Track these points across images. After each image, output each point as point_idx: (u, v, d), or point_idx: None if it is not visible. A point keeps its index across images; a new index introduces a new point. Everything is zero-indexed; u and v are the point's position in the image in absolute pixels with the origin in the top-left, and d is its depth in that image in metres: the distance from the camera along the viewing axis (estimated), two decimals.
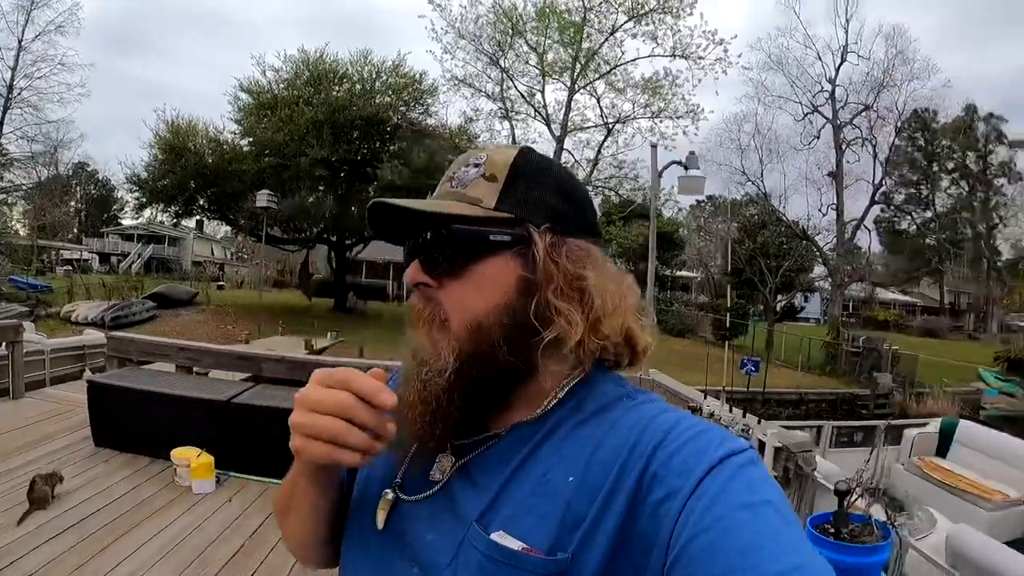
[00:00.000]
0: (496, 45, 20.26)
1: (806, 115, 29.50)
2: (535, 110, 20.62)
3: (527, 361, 0.78)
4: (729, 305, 25.14)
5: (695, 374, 10.71)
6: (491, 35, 21.06)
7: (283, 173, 19.83)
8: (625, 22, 19.46)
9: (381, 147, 22.06)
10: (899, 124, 31.28)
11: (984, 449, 7.42)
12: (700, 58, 19.97)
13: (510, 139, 21.14)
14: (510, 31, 21.02)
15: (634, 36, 19.88)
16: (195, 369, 7.11)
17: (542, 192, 0.82)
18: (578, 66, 19.83)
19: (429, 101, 22.47)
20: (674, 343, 27.33)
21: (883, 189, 35.23)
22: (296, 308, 23.07)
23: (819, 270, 36.77)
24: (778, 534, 0.58)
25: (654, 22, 19.44)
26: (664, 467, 0.66)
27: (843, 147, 29.97)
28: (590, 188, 21.77)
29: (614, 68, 20.18)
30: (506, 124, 21.35)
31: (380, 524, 0.82)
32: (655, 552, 0.63)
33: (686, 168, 9.73)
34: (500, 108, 21.10)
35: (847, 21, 28.66)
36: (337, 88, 21.32)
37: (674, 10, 19.24)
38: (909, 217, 51.48)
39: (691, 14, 19.53)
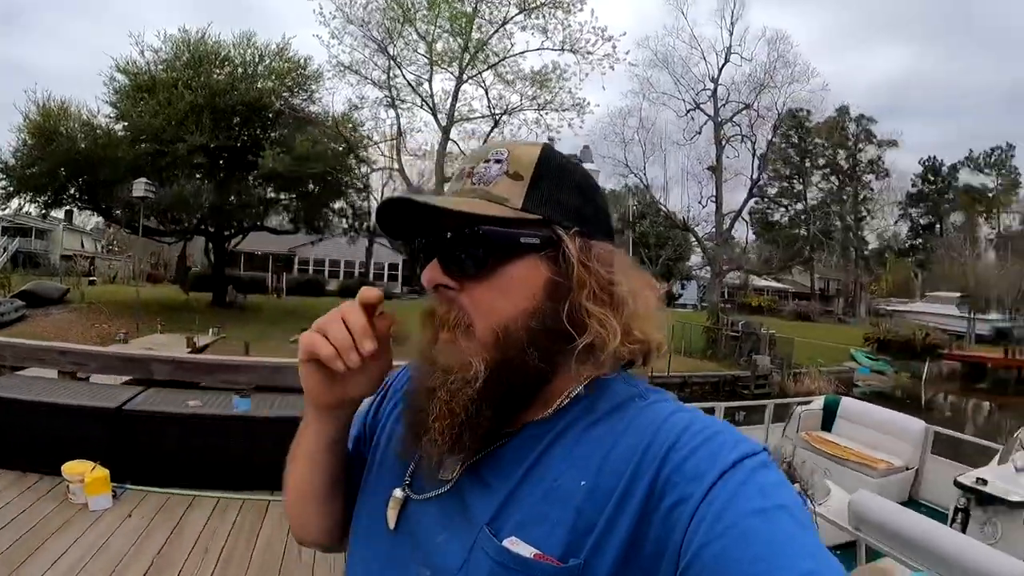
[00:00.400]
0: (385, 32, 19.82)
1: (688, 112, 30.64)
2: (422, 99, 20.31)
3: (554, 365, 0.76)
4: None
5: None
6: (380, 21, 20.55)
7: (160, 160, 18.74)
8: (516, 14, 19.51)
9: (262, 134, 21.28)
10: (776, 123, 32.75)
11: (864, 422, 7.95)
12: (589, 53, 20.22)
13: (395, 128, 20.77)
14: (400, 18, 20.59)
15: (524, 28, 19.92)
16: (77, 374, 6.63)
17: (567, 193, 0.80)
18: (467, 56, 19.63)
19: (313, 87, 21.87)
20: None
21: (759, 183, 36.92)
22: (174, 304, 21.95)
23: (695, 259, 38.37)
24: (791, 540, 0.57)
25: (544, 16, 19.57)
26: (676, 471, 0.65)
27: (723, 143, 31.17)
28: None
29: (503, 60, 20.15)
30: (391, 112, 20.95)
31: (392, 524, 0.82)
32: (667, 558, 0.62)
33: (581, 162, 9.92)
34: (386, 96, 20.66)
35: (732, 24, 29.74)
36: (218, 71, 20.36)
37: (565, 4, 19.41)
38: (783, 209, 54.58)
39: (581, 10, 19.66)
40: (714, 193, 31.45)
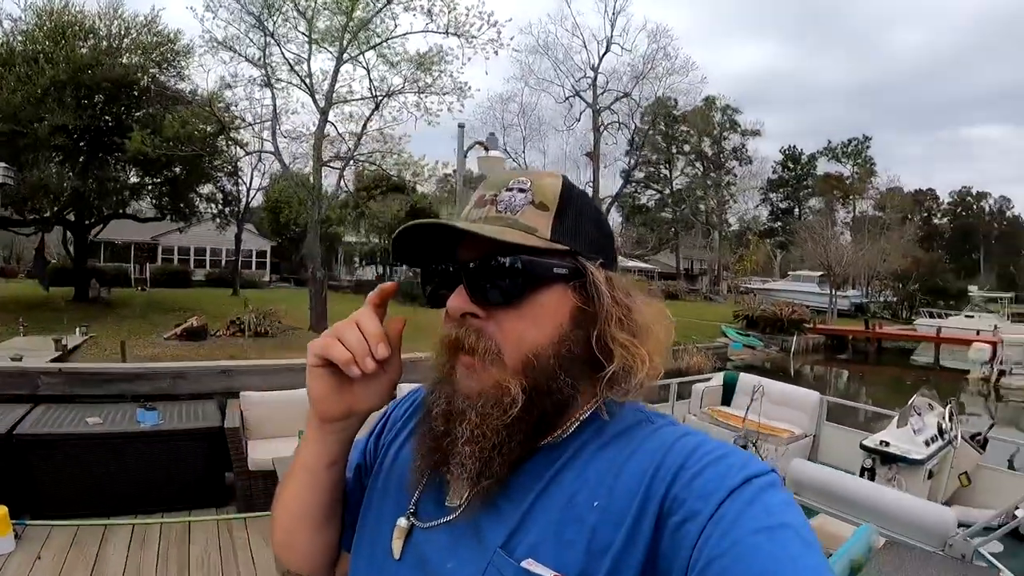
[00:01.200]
0: (263, 5, 18.67)
1: (567, 98, 31.13)
2: (301, 79, 19.33)
3: (578, 392, 0.77)
4: None
5: None
6: None
7: (19, 141, 16.88)
8: None
9: (128, 113, 19.65)
10: (644, 111, 33.86)
11: (762, 395, 8.30)
12: (473, 37, 19.89)
13: (271, 108, 19.75)
14: None
15: (407, 9, 19.32)
16: None
17: (587, 223, 0.81)
18: (348, 36, 18.88)
19: (183, 63, 20.37)
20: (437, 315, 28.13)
21: (628, 168, 38.22)
22: (32, 301, 19.98)
23: None
24: (795, 559, 0.57)
25: None
26: (685, 489, 0.66)
27: (601, 130, 31.84)
28: (352, 163, 21.19)
29: (386, 40, 19.50)
30: (267, 92, 19.75)
31: (397, 554, 0.81)
32: (673, 574, 0.63)
33: (487, 149, 9.79)
34: (262, 75, 19.51)
35: (615, 15, 30.61)
36: (82, 44, 18.47)
37: None
38: (650, 192, 56.95)
39: None
40: (591, 178, 32.24)
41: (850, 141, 66.16)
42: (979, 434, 7.07)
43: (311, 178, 20.10)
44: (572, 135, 32.84)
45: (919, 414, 6.73)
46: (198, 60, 20.34)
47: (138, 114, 19.69)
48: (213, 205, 25.39)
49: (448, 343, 0.79)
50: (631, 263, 50.51)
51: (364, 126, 19.85)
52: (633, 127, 32.47)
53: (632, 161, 35.32)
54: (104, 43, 18.95)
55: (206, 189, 24.41)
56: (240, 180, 26.83)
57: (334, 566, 0.96)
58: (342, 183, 21.79)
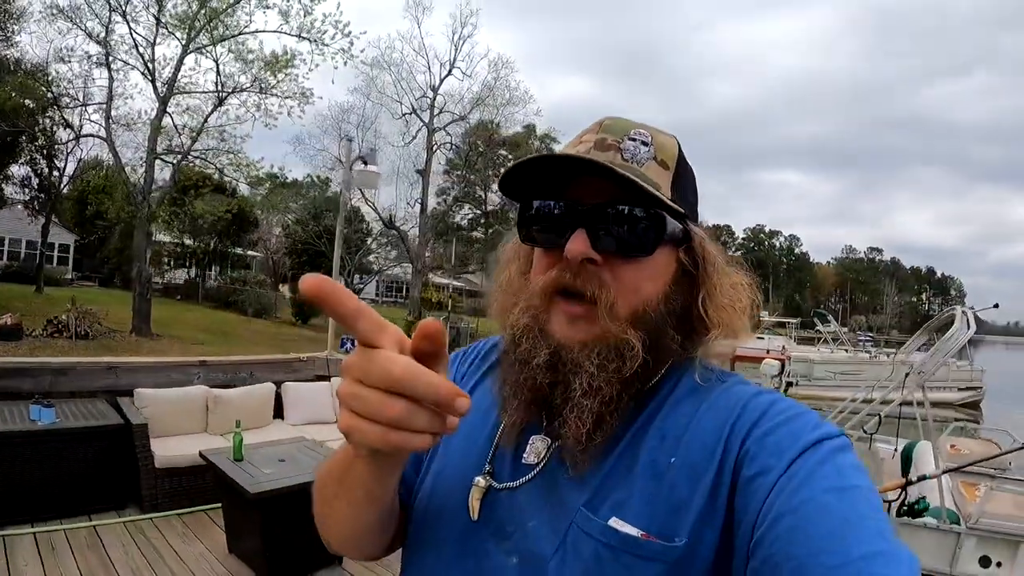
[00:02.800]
0: None
1: (404, 115, 31.39)
2: (144, 63, 18.06)
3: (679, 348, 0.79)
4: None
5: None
6: None
7: None
8: None
9: None
10: (466, 132, 34.88)
11: None
12: (325, 45, 19.69)
13: (107, 92, 18.27)
14: None
15: (264, 7, 18.73)
16: None
17: (691, 190, 0.83)
18: (198, 24, 17.98)
19: (15, 27, 18.57)
20: (256, 323, 27.50)
21: (443, 186, 39.19)
22: None
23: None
24: (864, 519, 0.57)
25: None
26: (758, 444, 0.67)
27: (434, 149, 32.36)
28: (186, 158, 20.02)
29: (236, 36, 18.74)
30: (102, 72, 18.20)
31: (475, 514, 0.78)
32: (743, 527, 0.64)
33: (365, 163, 9.92)
34: (100, 53, 17.97)
35: (462, 41, 31.21)
36: None
37: None
38: (464, 212, 58.21)
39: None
40: (421, 196, 32.70)
41: None
42: None
43: (141, 169, 18.80)
44: (407, 151, 33.04)
45: None
46: (31, 27, 18.43)
47: None
48: (27, 190, 22.79)
49: (554, 288, 0.76)
50: (442, 279, 51.19)
51: (205, 121, 18.95)
52: (467, 149, 33.37)
53: (450, 179, 36.55)
54: None
55: (22, 171, 21.94)
56: (55, 165, 24.30)
57: (400, 540, 0.90)
58: (163, 179, 20.58)
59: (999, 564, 5.15)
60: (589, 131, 0.81)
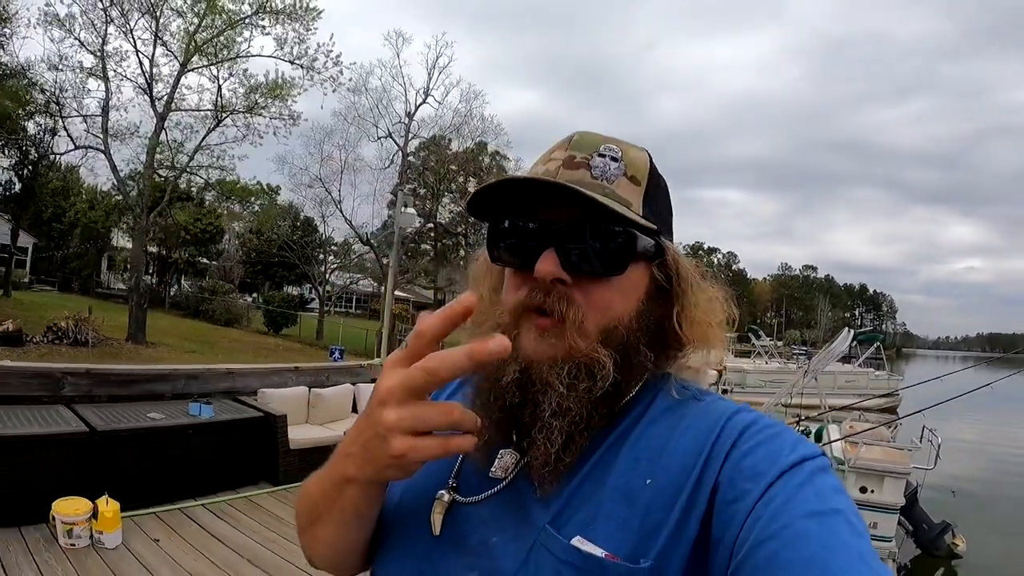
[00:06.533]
0: None
1: (380, 139, 32.81)
2: (146, 80, 18.75)
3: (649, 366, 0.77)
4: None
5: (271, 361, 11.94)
6: None
7: None
8: (253, 13, 19.16)
9: None
10: (419, 146, 36.38)
11: None
12: (317, 73, 20.91)
13: (103, 104, 18.85)
14: None
15: (264, 33, 19.80)
16: None
17: (664, 204, 0.82)
18: (194, 44, 18.87)
19: (6, 31, 18.81)
20: (231, 332, 27.98)
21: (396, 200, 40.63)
22: None
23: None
24: (846, 547, 0.56)
25: (282, 23, 19.69)
26: (735, 469, 0.65)
27: (407, 172, 33.86)
28: (183, 174, 20.88)
29: (235, 58, 19.70)
30: (100, 84, 18.59)
31: (437, 529, 0.76)
32: (720, 553, 0.62)
33: (405, 206, 12.81)
34: (97, 65, 18.29)
35: (439, 72, 32.65)
36: None
37: (303, 20, 19.74)
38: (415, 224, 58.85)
39: (317, 30, 20.15)
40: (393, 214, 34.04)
41: None
42: None
43: (138, 180, 19.62)
44: (383, 174, 34.47)
45: None
46: (23, 32, 18.81)
47: None
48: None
49: (522, 308, 0.74)
50: (398, 292, 52.31)
51: (203, 139, 19.92)
52: (440, 172, 34.90)
53: (398, 191, 38.19)
54: None
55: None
56: (27, 168, 24.45)
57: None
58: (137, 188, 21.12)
59: (872, 491, 8.01)
60: (559, 147, 0.80)
